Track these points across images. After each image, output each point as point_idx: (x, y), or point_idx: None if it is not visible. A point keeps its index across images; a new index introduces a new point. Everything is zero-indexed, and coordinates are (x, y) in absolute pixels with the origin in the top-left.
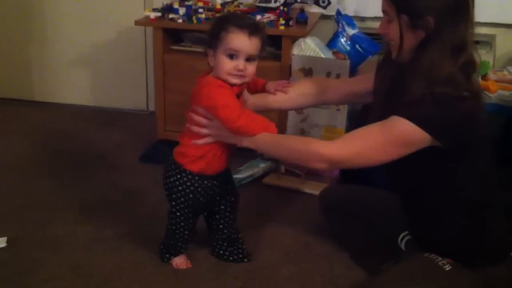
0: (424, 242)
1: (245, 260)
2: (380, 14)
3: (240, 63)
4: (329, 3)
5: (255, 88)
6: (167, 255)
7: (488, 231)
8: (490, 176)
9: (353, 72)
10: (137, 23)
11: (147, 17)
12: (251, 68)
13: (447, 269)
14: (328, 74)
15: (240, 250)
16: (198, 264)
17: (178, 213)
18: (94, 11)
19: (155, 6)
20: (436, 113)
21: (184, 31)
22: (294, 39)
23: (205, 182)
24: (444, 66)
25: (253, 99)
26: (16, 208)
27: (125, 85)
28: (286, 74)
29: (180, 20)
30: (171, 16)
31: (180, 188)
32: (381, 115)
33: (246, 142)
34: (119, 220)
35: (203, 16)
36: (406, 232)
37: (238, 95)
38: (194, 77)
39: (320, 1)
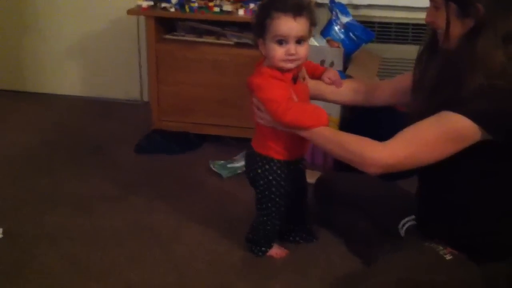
0: (434, 232)
1: (315, 239)
2: (374, 2)
3: (291, 47)
4: None
5: (314, 74)
6: (262, 249)
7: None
8: None
9: (346, 60)
10: (129, 12)
11: (139, 6)
12: (302, 50)
13: (447, 258)
14: (322, 62)
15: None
16: (195, 254)
17: (269, 204)
18: (87, 0)
19: None
20: (492, 107)
21: (177, 20)
22: None
23: (291, 167)
24: (496, 57)
25: (310, 83)
26: (11, 201)
27: (119, 75)
28: None
29: (172, 9)
30: (163, 5)
31: (270, 177)
32: (426, 107)
33: (302, 133)
34: (116, 212)
35: (195, 5)
36: (408, 219)
37: (295, 78)
38: (187, 66)
39: None
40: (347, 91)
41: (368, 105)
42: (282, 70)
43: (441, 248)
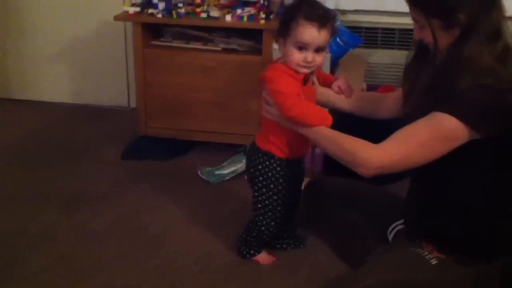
0: (422, 234)
1: (302, 245)
2: (361, 7)
3: (309, 55)
4: None
5: (325, 82)
6: (251, 251)
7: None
8: None
9: (334, 65)
10: (116, 18)
11: (126, 12)
12: (319, 58)
13: (433, 263)
14: None
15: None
16: (182, 257)
17: (266, 201)
18: (73, 5)
19: (134, 1)
20: (479, 106)
21: (164, 26)
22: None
23: (291, 166)
24: (483, 57)
25: (319, 89)
26: (0, 202)
27: (106, 81)
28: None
29: (159, 15)
30: (150, 11)
31: (269, 174)
32: (418, 111)
33: (302, 130)
34: (102, 214)
35: (182, 10)
36: (397, 223)
37: (306, 80)
38: (175, 72)
39: None
40: (355, 101)
41: (374, 117)
42: (296, 70)
43: (426, 253)
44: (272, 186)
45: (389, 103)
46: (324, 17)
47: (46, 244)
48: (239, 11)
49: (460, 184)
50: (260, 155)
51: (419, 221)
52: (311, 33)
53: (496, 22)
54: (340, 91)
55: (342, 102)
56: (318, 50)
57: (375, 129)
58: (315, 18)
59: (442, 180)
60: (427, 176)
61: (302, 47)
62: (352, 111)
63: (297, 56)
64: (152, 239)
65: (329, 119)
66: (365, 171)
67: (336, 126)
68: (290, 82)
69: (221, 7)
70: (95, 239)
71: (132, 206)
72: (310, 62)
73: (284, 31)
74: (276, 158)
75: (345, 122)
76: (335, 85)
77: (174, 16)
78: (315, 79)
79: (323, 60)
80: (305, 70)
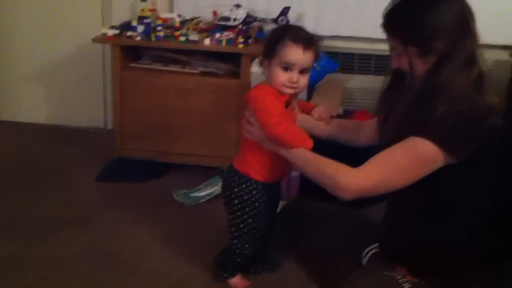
0: (397, 256)
1: (276, 269)
2: (338, 33)
3: (294, 75)
4: (288, 21)
5: (304, 109)
6: (225, 274)
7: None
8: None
9: (311, 90)
10: (94, 40)
11: (104, 35)
12: (304, 80)
13: (406, 287)
14: None
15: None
16: (156, 280)
17: (241, 225)
18: (52, 27)
19: (113, 23)
20: (454, 131)
21: (143, 49)
22: (253, 57)
23: (267, 190)
24: (459, 83)
25: (299, 115)
26: None
27: (83, 102)
28: (245, 92)
29: (138, 38)
30: (129, 33)
31: (245, 197)
32: (395, 136)
33: (283, 152)
34: (75, 237)
35: (162, 33)
36: (371, 247)
37: (288, 103)
38: (153, 94)
39: (279, 20)
40: (334, 128)
41: (353, 144)
42: (279, 92)
43: (400, 277)
44: (247, 209)
45: (368, 130)
46: (309, 40)
47: (13, 272)
48: (218, 35)
49: (444, 189)
50: (236, 177)
51: (398, 240)
52: (296, 54)
53: (471, 49)
54: (320, 118)
55: (322, 129)
56: (303, 71)
57: (354, 154)
58: (301, 40)
59: (427, 186)
60: (399, 199)
61: (287, 67)
62: (331, 138)
63: (282, 76)
64: (127, 262)
65: (310, 142)
66: (345, 194)
67: (315, 151)
68: (274, 102)
69: (200, 31)
70: (66, 264)
71: (106, 229)
72: (295, 83)
73: (269, 52)
74: (253, 181)
75: (324, 147)
76: (315, 112)
77: (153, 39)
78: (295, 104)
79: (306, 82)
80: (290, 91)
